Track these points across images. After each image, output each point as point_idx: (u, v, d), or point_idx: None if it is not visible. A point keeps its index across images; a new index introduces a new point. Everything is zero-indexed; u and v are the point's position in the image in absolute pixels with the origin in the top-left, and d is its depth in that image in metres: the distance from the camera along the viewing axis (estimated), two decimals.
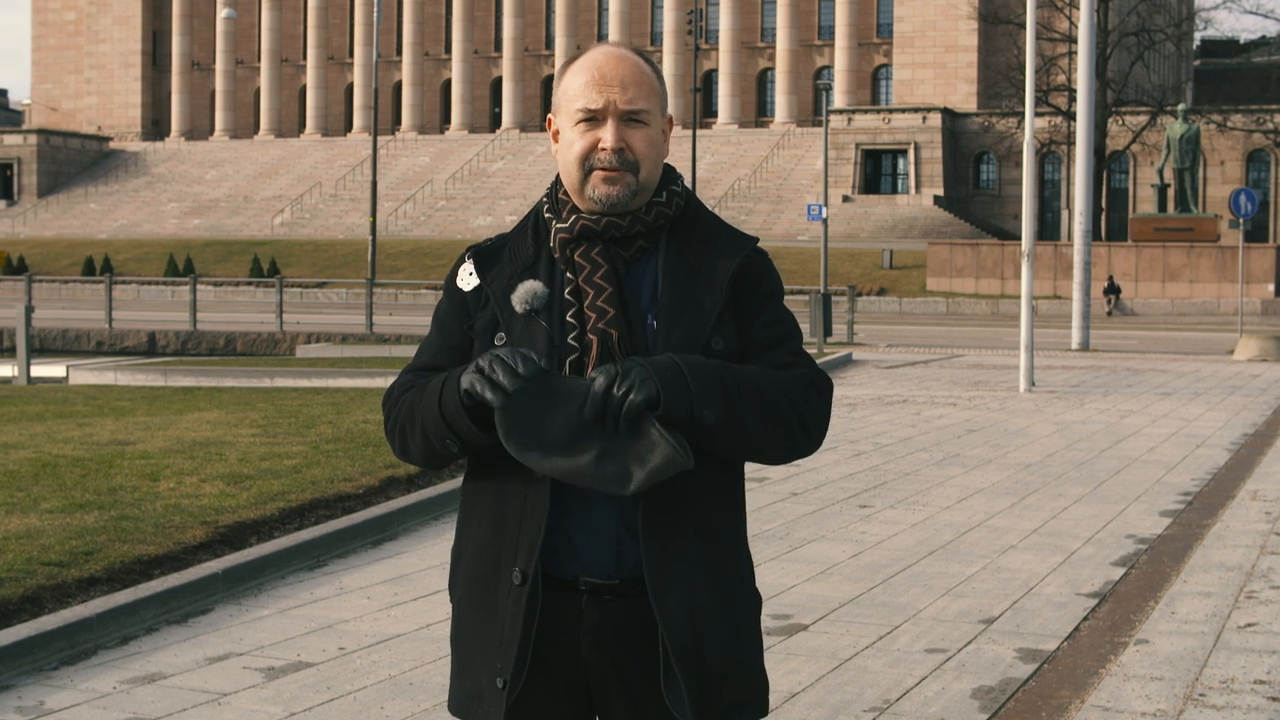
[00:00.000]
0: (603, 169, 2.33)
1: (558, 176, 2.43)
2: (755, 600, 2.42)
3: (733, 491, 2.41)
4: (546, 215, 2.41)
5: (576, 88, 2.35)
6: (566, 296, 2.33)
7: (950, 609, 6.13)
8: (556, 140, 2.41)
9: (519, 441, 2.21)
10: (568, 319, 2.32)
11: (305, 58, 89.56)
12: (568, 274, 2.35)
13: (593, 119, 2.34)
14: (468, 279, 2.40)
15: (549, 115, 2.46)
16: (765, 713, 2.41)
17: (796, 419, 2.33)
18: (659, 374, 2.21)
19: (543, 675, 2.33)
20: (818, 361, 2.51)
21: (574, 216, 2.36)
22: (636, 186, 2.35)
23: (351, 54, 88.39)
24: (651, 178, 2.37)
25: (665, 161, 2.42)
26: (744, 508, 2.45)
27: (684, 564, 2.30)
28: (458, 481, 8.44)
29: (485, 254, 2.41)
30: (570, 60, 2.41)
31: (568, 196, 2.39)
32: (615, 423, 2.20)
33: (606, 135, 2.33)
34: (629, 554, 2.30)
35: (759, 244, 2.46)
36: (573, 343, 2.31)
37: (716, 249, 2.39)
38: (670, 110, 2.51)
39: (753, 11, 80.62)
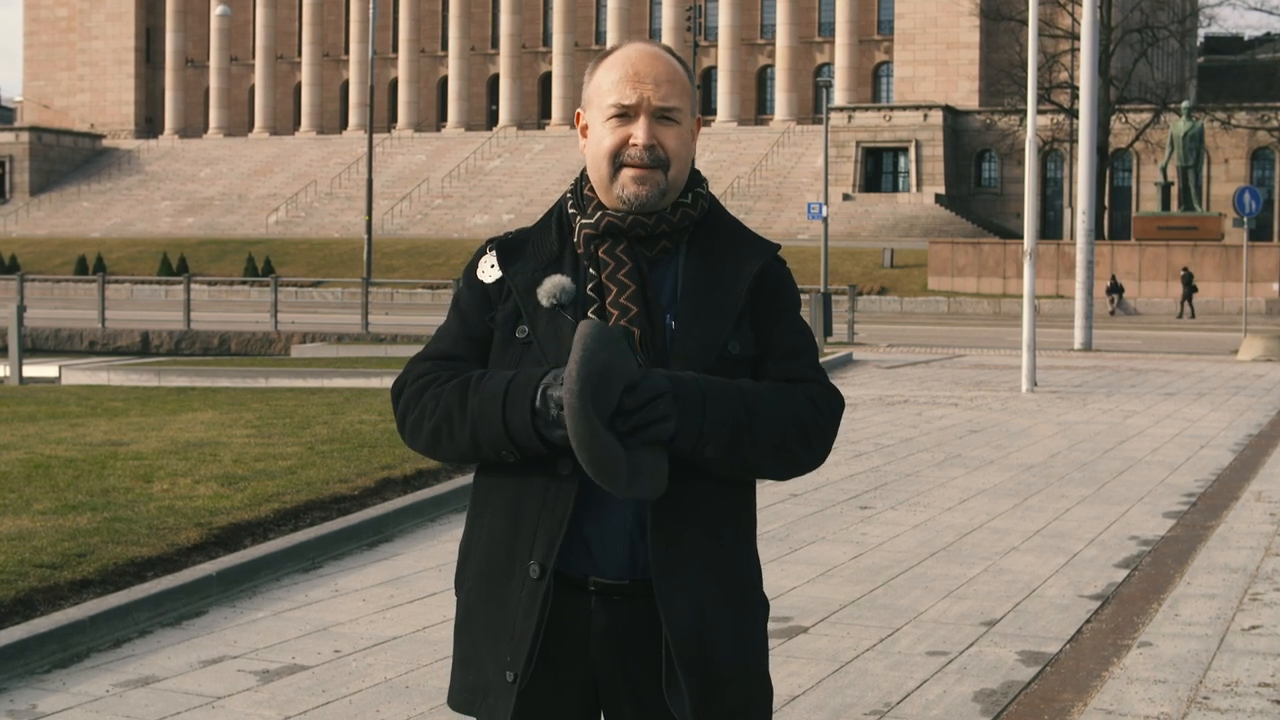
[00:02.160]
0: (633, 166, 2.31)
1: (583, 171, 2.42)
2: (762, 605, 2.41)
3: (743, 496, 2.41)
4: (571, 211, 2.40)
5: (609, 83, 2.34)
6: (589, 293, 2.32)
7: (952, 611, 6.08)
8: (585, 136, 2.39)
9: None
10: (590, 316, 2.31)
11: (300, 55, 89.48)
12: (591, 270, 2.34)
13: (624, 115, 2.32)
14: (489, 271, 2.39)
15: (578, 110, 2.44)
16: (769, 718, 2.39)
17: (805, 447, 2.34)
18: (681, 409, 2.20)
19: (550, 672, 2.32)
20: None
21: (600, 213, 2.35)
22: (665, 186, 2.33)
23: (347, 51, 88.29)
24: (680, 177, 2.36)
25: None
26: (754, 512, 2.44)
27: (692, 568, 2.29)
28: (455, 483, 8.40)
29: (507, 247, 2.40)
30: (603, 56, 2.39)
31: (593, 193, 2.38)
32: (629, 433, 2.17)
33: (638, 131, 2.31)
34: (641, 556, 2.30)
35: (780, 251, 2.45)
36: None
37: (738, 254, 2.39)
38: None
39: (752, 8, 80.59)
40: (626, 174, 2.31)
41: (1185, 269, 41.97)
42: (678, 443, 2.21)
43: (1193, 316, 40.75)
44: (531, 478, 2.30)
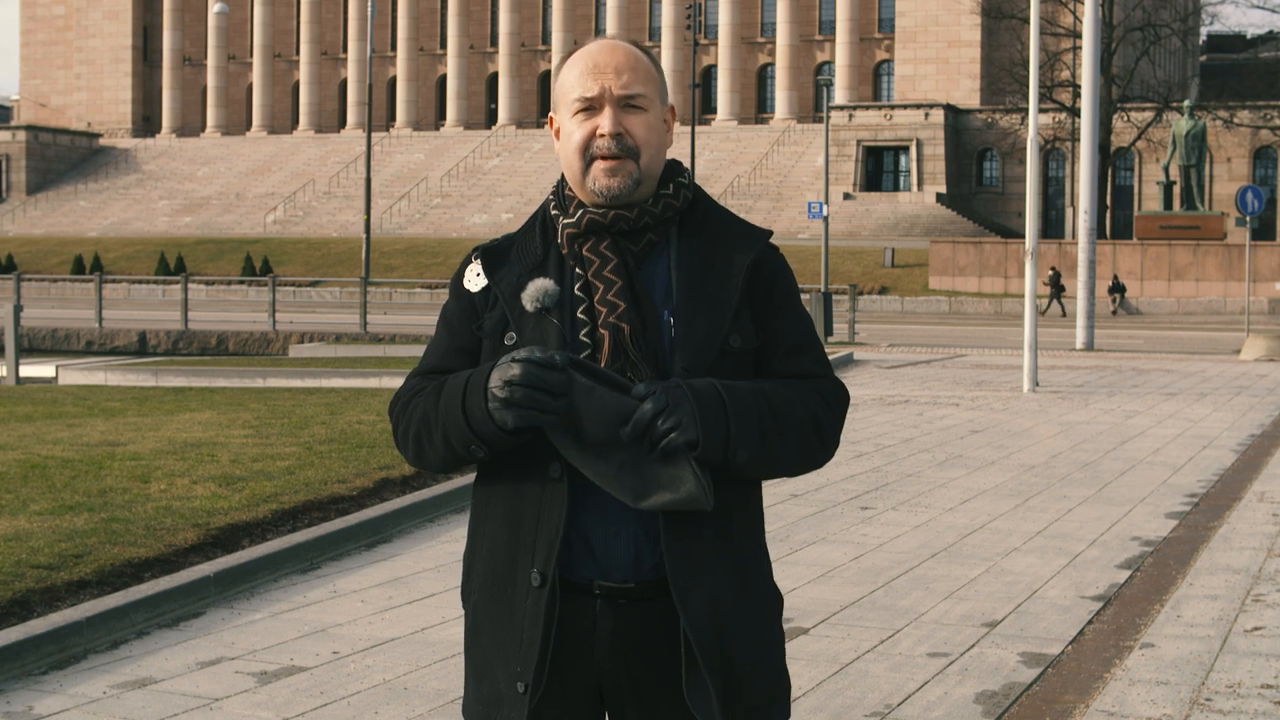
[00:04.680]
0: (603, 157, 2.30)
1: (563, 174, 2.40)
2: (776, 598, 2.41)
3: (751, 491, 2.40)
4: (553, 213, 2.38)
5: (572, 79, 2.34)
6: (576, 292, 2.30)
7: (953, 612, 6.06)
8: (559, 137, 2.38)
9: (561, 438, 2.20)
10: (578, 315, 2.29)
11: (298, 53, 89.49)
12: (576, 269, 2.32)
13: (590, 108, 2.31)
14: (475, 279, 2.38)
15: (550, 114, 2.43)
16: (788, 714, 2.38)
17: (820, 442, 2.34)
18: (703, 413, 2.19)
19: (557, 678, 2.31)
20: None
21: (580, 211, 2.33)
22: (639, 175, 2.31)
23: (345, 49, 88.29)
24: (653, 165, 2.34)
25: (670, 155, 2.40)
26: (761, 506, 2.44)
27: (706, 564, 2.28)
28: (453, 483, 8.37)
29: (493, 254, 2.39)
30: (566, 55, 2.39)
31: (574, 193, 2.37)
32: (651, 449, 2.18)
33: (604, 121, 2.30)
34: (647, 556, 2.28)
35: (771, 238, 2.42)
36: (585, 339, 2.28)
37: (729, 243, 2.36)
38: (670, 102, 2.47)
39: (752, 6, 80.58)
40: (598, 166, 2.30)
41: (1053, 269, 42.15)
42: (704, 453, 2.19)
43: (1063, 315, 41.09)
44: (527, 484, 2.29)
